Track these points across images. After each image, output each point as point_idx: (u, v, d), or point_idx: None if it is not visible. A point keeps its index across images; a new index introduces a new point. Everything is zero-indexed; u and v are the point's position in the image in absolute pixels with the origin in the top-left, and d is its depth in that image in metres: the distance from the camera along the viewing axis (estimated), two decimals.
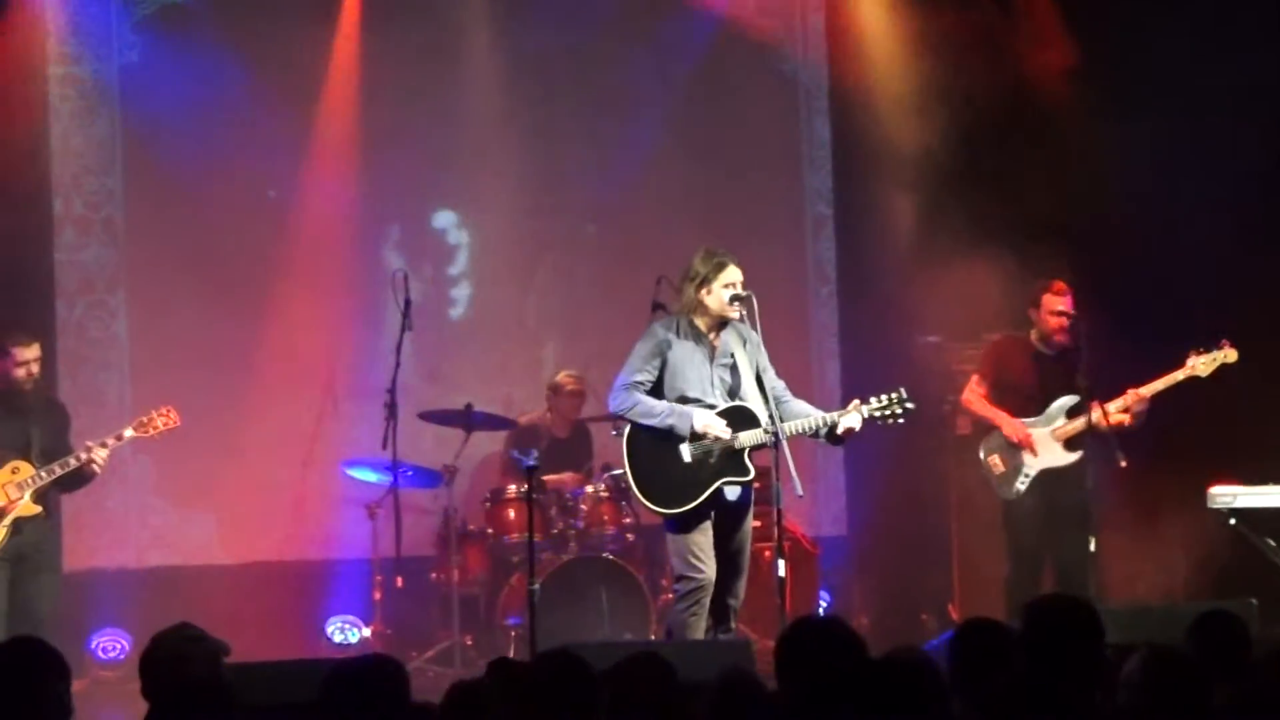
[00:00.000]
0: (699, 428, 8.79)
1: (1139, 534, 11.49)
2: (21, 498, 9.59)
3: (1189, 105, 11.60)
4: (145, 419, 9.91)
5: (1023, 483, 10.38)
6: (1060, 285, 10.43)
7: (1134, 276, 11.68)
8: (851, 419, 8.87)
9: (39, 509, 9.70)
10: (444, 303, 12.71)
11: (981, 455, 10.58)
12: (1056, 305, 10.38)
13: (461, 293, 12.84)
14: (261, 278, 12.26)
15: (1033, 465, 10.37)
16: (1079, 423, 10.27)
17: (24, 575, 9.71)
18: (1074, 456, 10.33)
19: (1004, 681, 4.20)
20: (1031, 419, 10.40)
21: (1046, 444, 10.38)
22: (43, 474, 9.62)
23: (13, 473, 9.62)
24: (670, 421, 8.83)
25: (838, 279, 13.41)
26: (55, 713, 4.78)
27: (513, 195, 12.75)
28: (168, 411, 9.95)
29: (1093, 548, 10.09)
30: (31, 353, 9.78)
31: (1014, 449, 10.41)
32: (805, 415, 8.97)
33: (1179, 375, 10.19)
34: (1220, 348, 10.13)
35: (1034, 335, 10.53)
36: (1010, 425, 10.40)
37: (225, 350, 12.10)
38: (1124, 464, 10.09)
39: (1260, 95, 11.62)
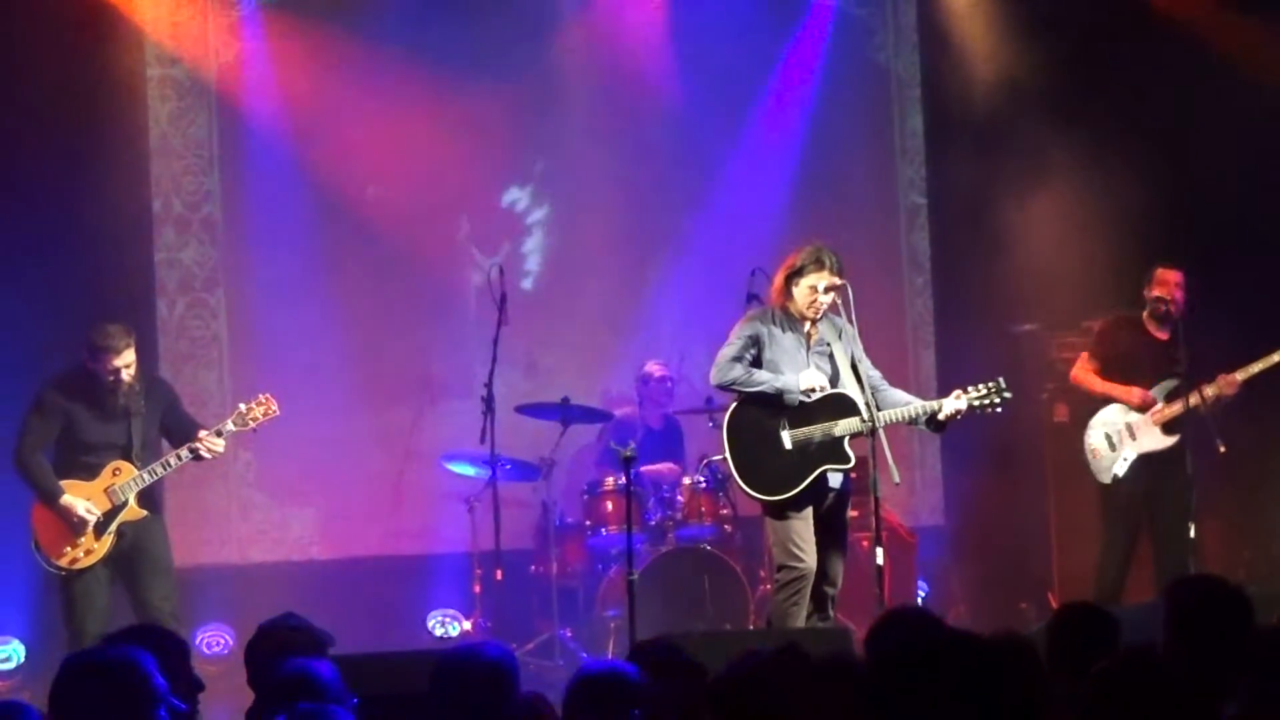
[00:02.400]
0: (804, 386, 8.80)
1: (1238, 520, 11.42)
2: (127, 501, 9.61)
3: None
4: (244, 410, 9.82)
5: (1120, 467, 10.35)
6: (1170, 263, 10.41)
7: (1235, 263, 11.60)
8: (953, 403, 8.86)
9: (144, 512, 9.67)
10: (540, 297, 12.74)
11: (1085, 439, 10.55)
12: (1168, 279, 10.35)
13: (557, 287, 12.86)
14: (357, 273, 12.34)
15: (1132, 449, 10.34)
16: (1177, 406, 10.23)
17: (135, 571, 9.68)
18: (1172, 440, 10.29)
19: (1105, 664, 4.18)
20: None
21: (1146, 428, 10.34)
22: (144, 475, 9.60)
23: (114, 474, 9.61)
24: (779, 385, 8.83)
25: (932, 268, 13.38)
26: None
27: (608, 188, 12.78)
28: (265, 400, 9.85)
29: (1192, 534, 10.05)
30: (126, 358, 9.62)
31: (1116, 433, 10.37)
32: (904, 404, 8.97)
33: (1273, 360, 10.12)
34: None
35: (1146, 313, 10.50)
36: (1128, 393, 10.38)
37: (323, 347, 12.17)
38: (1223, 450, 10.05)
39: None
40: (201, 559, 11.85)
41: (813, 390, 8.82)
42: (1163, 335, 10.44)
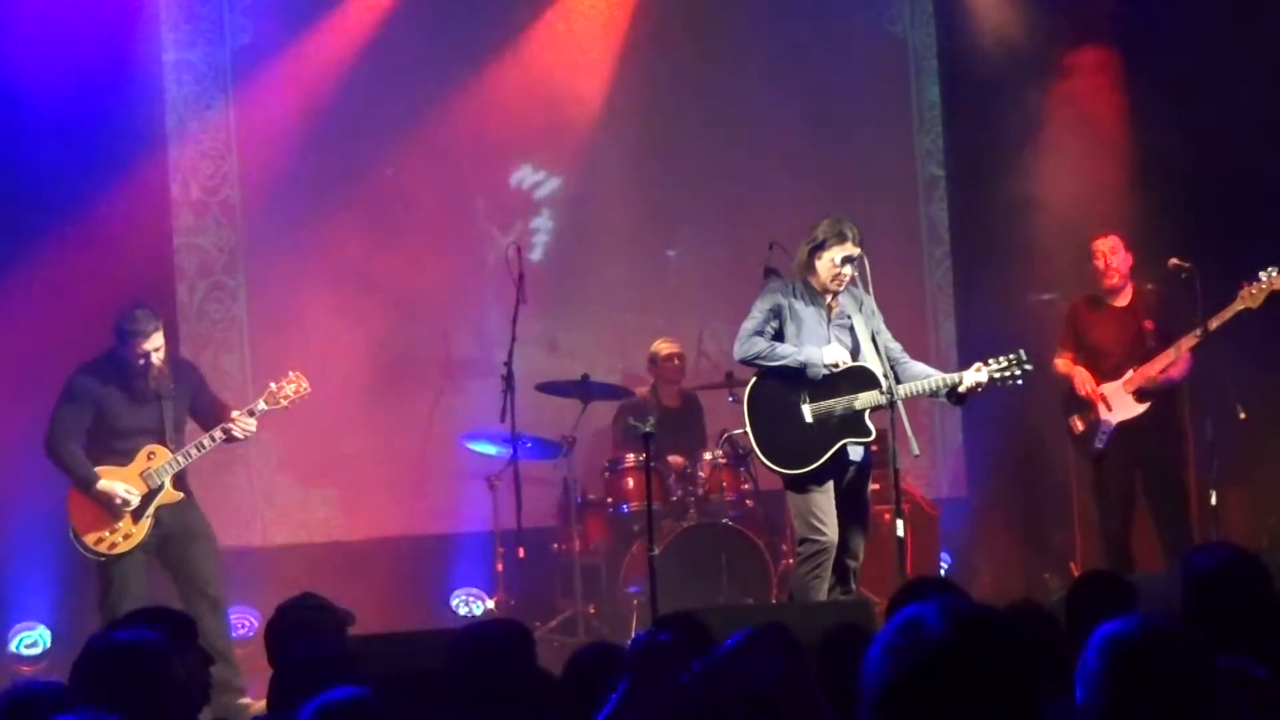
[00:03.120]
0: (827, 360, 8.80)
1: (1259, 485, 11.40)
2: (163, 485, 9.64)
3: None
4: (274, 389, 9.89)
5: (1101, 440, 10.32)
6: (1102, 235, 10.39)
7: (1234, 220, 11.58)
8: (974, 376, 8.84)
9: (180, 495, 9.73)
10: (560, 275, 12.72)
11: (1065, 418, 10.55)
12: (1099, 249, 10.34)
13: (575, 264, 12.85)
14: (376, 254, 12.34)
15: (1109, 420, 10.31)
16: (1144, 372, 10.20)
17: (179, 551, 9.73)
18: (1144, 407, 10.26)
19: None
20: (1106, 375, 10.36)
21: (1118, 397, 10.31)
22: (179, 458, 9.65)
23: (149, 458, 9.65)
24: (802, 358, 8.83)
25: (951, 239, 13.37)
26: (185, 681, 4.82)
27: (625, 164, 12.78)
28: (296, 377, 9.93)
29: (1214, 501, 10.01)
30: (155, 341, 9.70)
31: (1089, 407, 10.36)
32: (925, 376, 8.95)
33: (1231, 310, 10.03)
34: (1268, 273, 9.97)
35: (1098, 290, 10.50)
36: (1079, 378, 10.38)
37: (343, 327, 12.18)
38: (1243, 416, 10.02)
39: None
40: (225, 542, 11.82)
41: (836, 364, 8.82)
42: (1122, 302, 10.42)
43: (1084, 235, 11.21)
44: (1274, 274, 9.89)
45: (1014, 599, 5.79)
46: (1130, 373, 10.29)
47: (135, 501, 9.56)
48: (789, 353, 8.86)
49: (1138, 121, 11.99)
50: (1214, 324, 9.98)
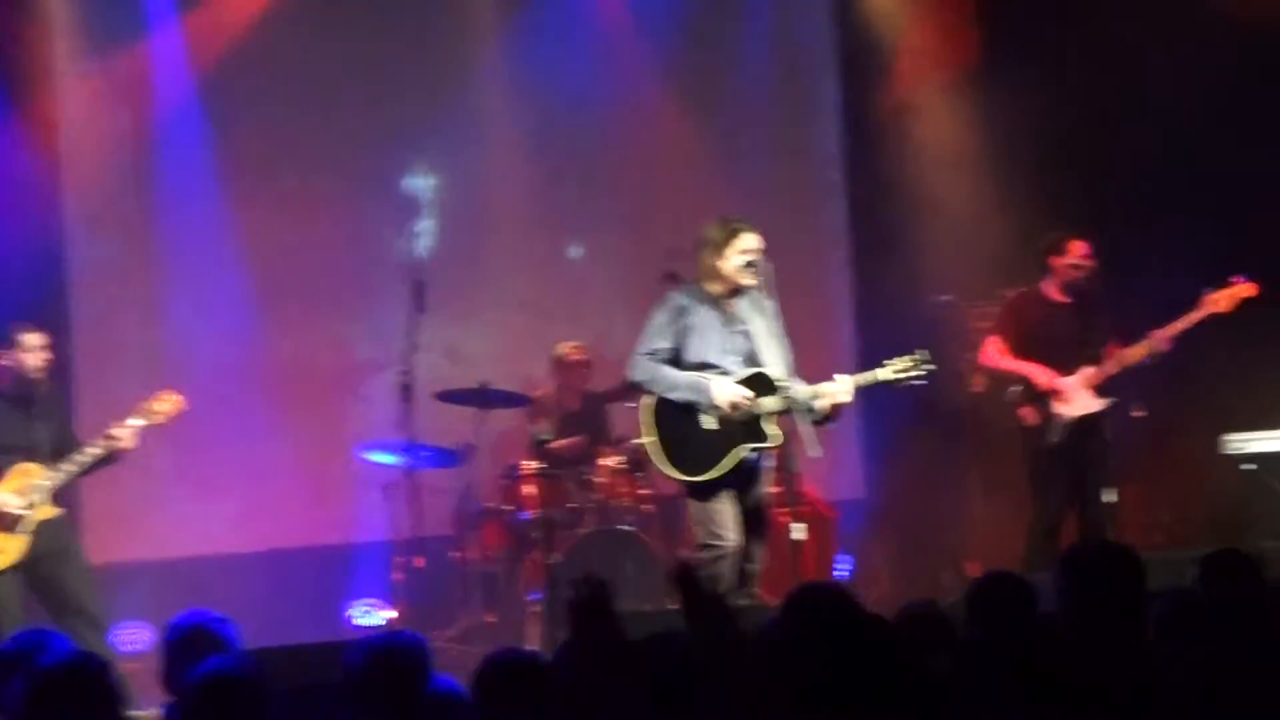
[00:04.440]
0: (718, 401, 8.76)
1: (1155, 483, 11.48)
2: (38, 502, 9.35)
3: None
4: (145, 405, 9.65)
5: (1055, 433, 10.33)
6: (1079, 239, 10.44)
7: (1149, 221, 11.67)
8: (838, 387, 8.84)
9: (59, 510, 9.46)
10: (458, 282, 12.63)
11: (1013, 408, 10.54)
12: (1081, 250, 10.38)
13: (475, 271, 12.79)
14: (274, 263, 12.25)
15: (1067, 413, 10.33)
16: (1106, 368, 10.25)
17: (49, 570, 9.43)
18: (1104, 403, 10.30)
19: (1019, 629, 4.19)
20: (1058, 369, 10.39)
21: (1076, 392, 10.34)
22: (56, 473, 9.38)
23: (23, 475, 9.35)
24: (689, 396, 8.81)
25: (850, 243, 13.40)
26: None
27: (522, 168, 12.76)
28: (166, 396, 9.71)
29: (1115, 498, 10.07)
30: (42, 339, 9.52)
31: (1045, 399, 10.37)
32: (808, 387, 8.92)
33: (1198, 315, 10.13)
34: (1237, 283, 10.08)
35: (1048, 286, 10.50)
36: (1042, 374, 10.37)
37: (240, 338, 12.10)
38: (1139, 414, 10.09)
39: None
40: (118, 555, 11.71)
41: (732, 404, 8.78)
42: (1068, 300, 10.46)
43: (975, 237, 11.31)
44: (1246, 284, 10.01)
45: (911, 600, 5.79)
46: (1088, 368, 10.31)
47: (17, 512, 9.33)
48: (680, 385, 8.83)
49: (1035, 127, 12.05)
50: (1181, 326, 10.08)
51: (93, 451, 9.49)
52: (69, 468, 9.45)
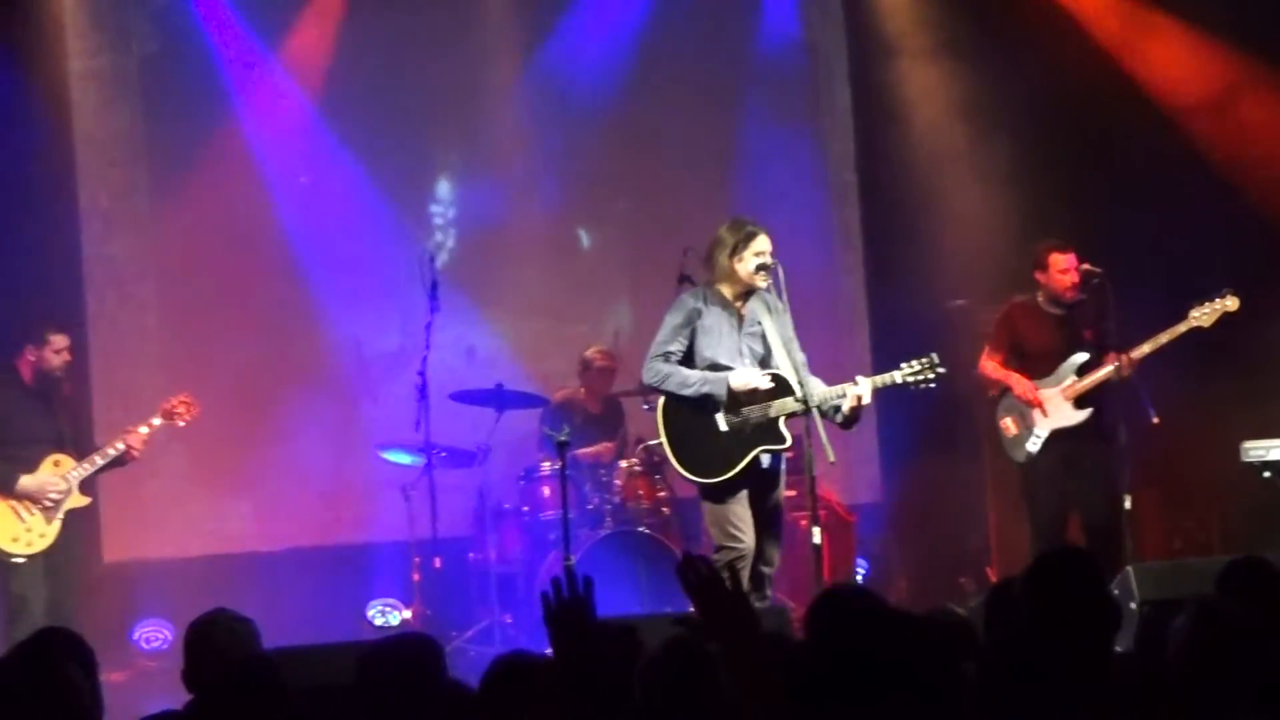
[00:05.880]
0: (736, 386, 8.78)
1: (1174, 490, 11.45)
2: (71, 490, 9.66)
3: None
4: (168, 407, 9.98)
5: (1034, 444, 10.31)
6: (1062, 246, 10.41)
7: (1143, 230, 11.66)
8: (884, 379, 8.87)
9: (88, 499, 9.81)
10: (475, 282, 12.66)
11: (999, 418, 10.54)
12: (1063, 264, 10.35)
13: (491, 271, 12.81)
14: (292, 263, 12.28)
15: (1044, 426, 10.31)
16: (1090, 379, 10.23)
17: (56, 562, 9.70)
18: (1084, 415, 10.26)
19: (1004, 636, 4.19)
20: (1042, 379, 10.36)
21: (1056, 403, 10.32)
22: (84, 465, 9.69)
23: (55, 465, 9.67)
24: (705, 389, 8.83)
25: (864, 246, 13.39)
26: (82, 706, 4.74)
27: (540, 172, 12.78)
28: (185, 401, 10.02)
29: (1128, 505, 10.05)
30: (66, 340, 9.84)
31: (1026, 411, 10.37)
32: (827, 387, 8.92)
33: (1181, 328, 10.11)
34: (1222, 297, 10.05)
35: (1040, 297, 10.49)
36: (1020, 385, 10.36)
37: (257, 337, 12.12)
38: (1156, 420, 10.06)
39: None
40: (138, 554, 11.78)
41: (745, 387, 8.79)
42: (1059, 311, 10.45)
43: (989, 241, 11.29)
44: (1230, 298, 9.98)
45: (931, 606, 5.79)
46: (1072, 379, 10.29)
47: (59, 498, 9.50)
48: (694, 382, 8.85)
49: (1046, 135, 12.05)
50: (1164, 339, 10.06)
51: (114, 449, 9.71)
52: (97, 459, 9.72)
